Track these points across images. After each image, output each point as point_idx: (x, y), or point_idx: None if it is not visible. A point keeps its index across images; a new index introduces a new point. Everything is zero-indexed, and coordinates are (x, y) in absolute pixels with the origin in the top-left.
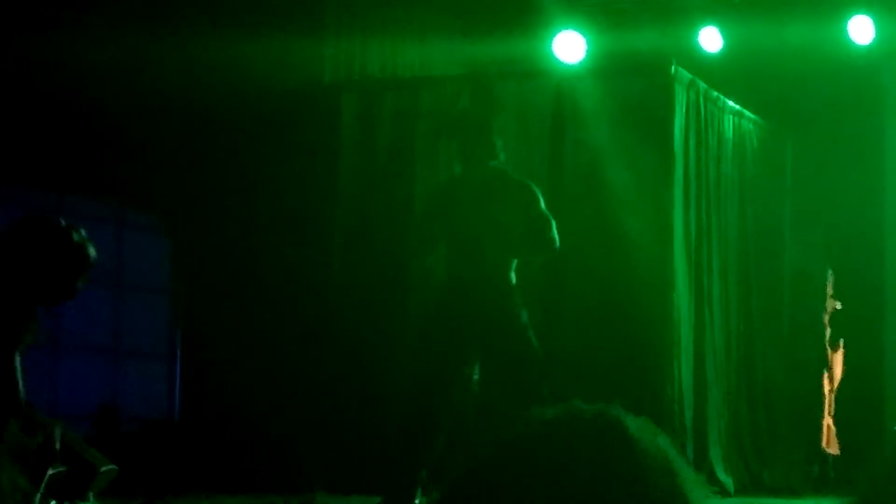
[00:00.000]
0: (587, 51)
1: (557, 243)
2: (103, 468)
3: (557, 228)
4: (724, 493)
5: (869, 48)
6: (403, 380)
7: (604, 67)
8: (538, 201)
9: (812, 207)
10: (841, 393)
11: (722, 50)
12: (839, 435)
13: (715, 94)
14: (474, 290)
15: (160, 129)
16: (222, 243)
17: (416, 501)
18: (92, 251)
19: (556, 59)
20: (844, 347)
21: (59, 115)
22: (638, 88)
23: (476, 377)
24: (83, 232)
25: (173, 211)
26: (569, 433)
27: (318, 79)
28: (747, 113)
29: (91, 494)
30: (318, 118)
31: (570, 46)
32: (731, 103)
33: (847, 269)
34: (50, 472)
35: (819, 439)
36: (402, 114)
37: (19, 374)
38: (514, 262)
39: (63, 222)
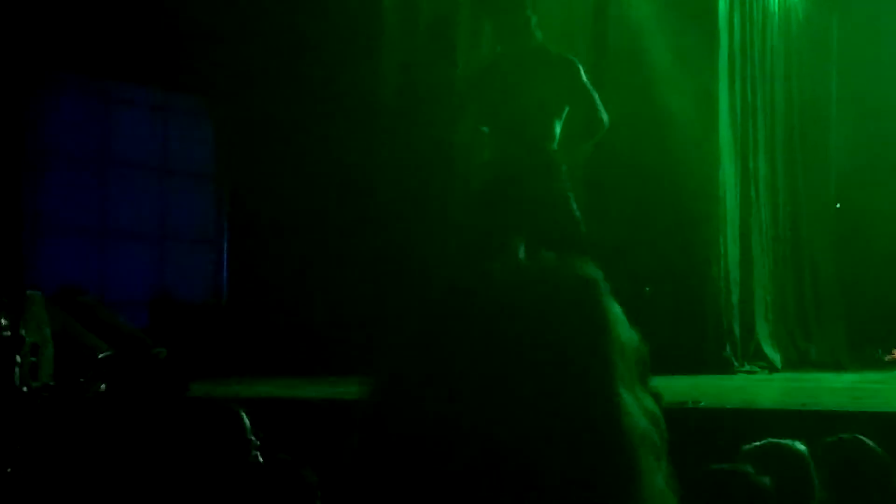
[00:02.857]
0: None
1: (606, 119)
2: (153, 352)
3: (603, 104)
4: (771, 368)
5: None
6: (447, 264)
7: None
8: (580, 76)
9: (859, 80)
10: (877, 267)
11: None
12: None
13: None
14: (518, 169)
15: (199, 11)
16: (265, 127)
17: None
18: None
19: None
20: None
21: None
22: None
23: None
24: None
25: (216, 94)
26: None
27: None
28: None
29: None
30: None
31: None
32: None
33: (893, 142)
34: None
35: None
36: None
37: None
38: (558, 140)
39: None
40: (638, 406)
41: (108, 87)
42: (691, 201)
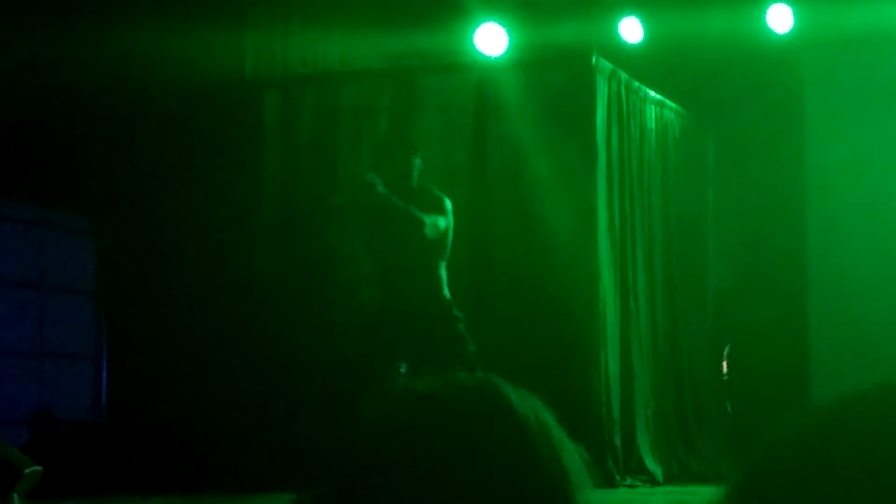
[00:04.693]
0: (509, 43)
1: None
2: (28, 469)
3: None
4: (653, 481)
5: (788, 37)
6: (328, 376)
7: (525, 60)
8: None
9: (734, 195)
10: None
11: (643, 40)
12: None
13: (636, 84)
14: (403, 289)
15: (81, 128)
16: (146, 242)
17: None
18: None
19: (478, 51)
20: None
21: None
22: (559, 80)
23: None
24: None
25: (96, 211)
26: (451, 409)
27: (239, 74)
28: (669, 102)
29: (15, 496)
30: (240, 114)
31: (491, 39)
32: (652, 93)
33: (769, 257)
34: None
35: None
36: (323, 109)
37: None
38: (445, 268)
39: None
40: None
41: None
42: (571, 315)
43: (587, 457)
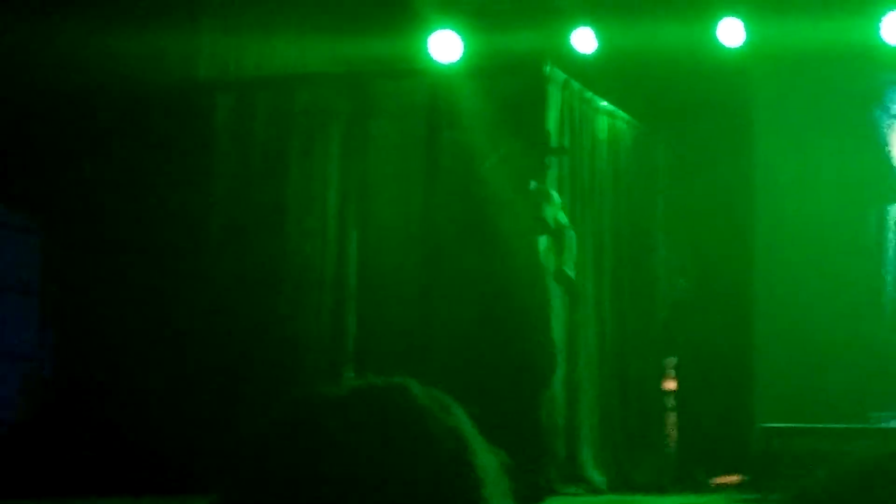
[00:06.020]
0: (463, 50)
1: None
2: None
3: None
4: (596, 490)
5: (738, 50)
6: (278, 379)
7: (479, 67)
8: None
9: (683, 206)
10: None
11: (596, 51)
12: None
13: (589, 94)
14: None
15: (29, 125)
16: (94, 242)
17: None
18: None
19: (432, 58)
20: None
21: None
22: (513, 88)
23: None
24: None
25: (43, 209)
26: (357, 404)
27: (192, 76)
28: (620, 113)
29: None
30: (192, 116)
31: (445, 46)
32: (604, 103)
33: (716, 268)
34: None
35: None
36: (277, 113)
37: None
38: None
39: None
40: None
41: None
42: (520, 322)
43: (508, 461)
